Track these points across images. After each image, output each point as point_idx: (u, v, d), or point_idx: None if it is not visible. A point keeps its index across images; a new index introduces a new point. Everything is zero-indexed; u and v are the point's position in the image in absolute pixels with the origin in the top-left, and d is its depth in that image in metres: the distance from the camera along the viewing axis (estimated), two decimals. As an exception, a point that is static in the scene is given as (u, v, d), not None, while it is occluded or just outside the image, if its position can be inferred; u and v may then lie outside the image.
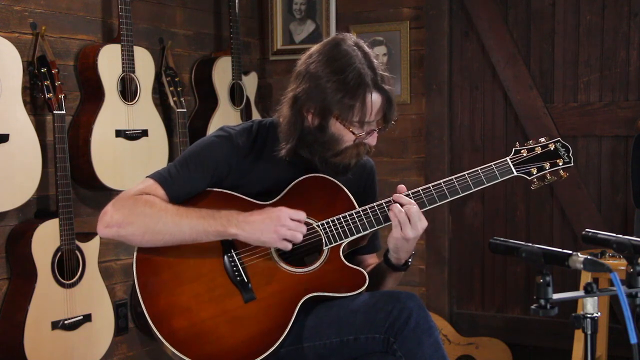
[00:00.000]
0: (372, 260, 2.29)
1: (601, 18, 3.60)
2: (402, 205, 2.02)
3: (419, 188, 2.09)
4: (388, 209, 2.05)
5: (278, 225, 1.99)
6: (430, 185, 2.09)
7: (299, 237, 2.00)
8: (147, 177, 2.09)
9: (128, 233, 2.01)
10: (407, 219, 2.00)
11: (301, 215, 2.02)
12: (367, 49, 2.07)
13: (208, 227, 2.00)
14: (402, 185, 2.09)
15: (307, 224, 2.08)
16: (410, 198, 2.05)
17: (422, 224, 2.03)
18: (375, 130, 2.08)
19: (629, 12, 3.54)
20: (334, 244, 2.07)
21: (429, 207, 2.08)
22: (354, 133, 2.04)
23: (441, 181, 2.09)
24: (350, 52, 2.03)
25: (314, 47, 2.11)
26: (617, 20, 3.57)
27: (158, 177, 2.08)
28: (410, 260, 2.13)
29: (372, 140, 2.09)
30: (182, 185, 2.07)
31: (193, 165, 2.08)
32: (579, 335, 3.13)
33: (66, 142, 3.03)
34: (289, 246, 2.01)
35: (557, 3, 3.68)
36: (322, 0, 4.13)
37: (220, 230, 2.00)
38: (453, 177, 2.09)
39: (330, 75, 2.01)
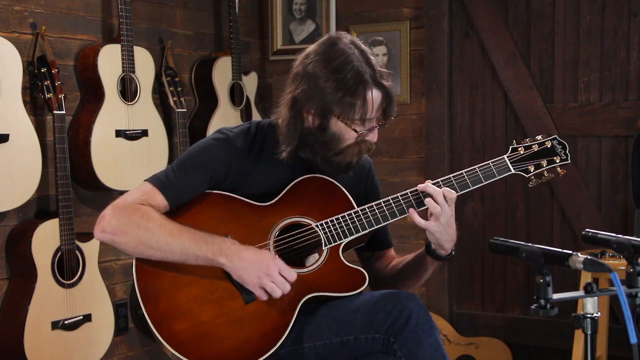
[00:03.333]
0: (393, 253, 2.31)
1: (601, 18, 3.60)
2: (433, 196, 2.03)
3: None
4: (390, 208, 2.06)
5: (263, 274, 1.97)
6: (428, 184, 2.09)
7: (277, 294, 1.98)
8: (145, 180, 2.08)
9: (121, 242, 2.02)
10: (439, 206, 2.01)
11: (292, 275, 2.00)
12: (363, 46, 2.07)
13: (198, 252, 1.98)
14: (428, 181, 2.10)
15: (306, 224, 2.08)
16: (409, 196, 2.06)
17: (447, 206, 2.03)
18: (376, 127, 2.08)
19: (629, 12, 3.54)
20: (334, 244, 2.07)
21: (426, 207, 2.08)
22: (355, 131, 2.04)
23: (439, 180, 2.09)
24: (347, 51, 2.03)
25: (310, 48, 2.10)
26: (617, 20, 3.56)
27: (156, 181, 2.06)
28: (454, 249, 2.12)
29: (373, 137, 2.09)
30: (180, 189, 2.06)
31: (191, 169, 2.07)
32: (579, 335, 3.13)
33: (66, 142, 3.03)
34: (264, 297, 1.99)
35: (557, 3, 3.68)
36: (322, 0, 4.13)
37: (209, 257, 1.98)
38: (451, 175, 2.09)
39: (328, 74, 2.01)
